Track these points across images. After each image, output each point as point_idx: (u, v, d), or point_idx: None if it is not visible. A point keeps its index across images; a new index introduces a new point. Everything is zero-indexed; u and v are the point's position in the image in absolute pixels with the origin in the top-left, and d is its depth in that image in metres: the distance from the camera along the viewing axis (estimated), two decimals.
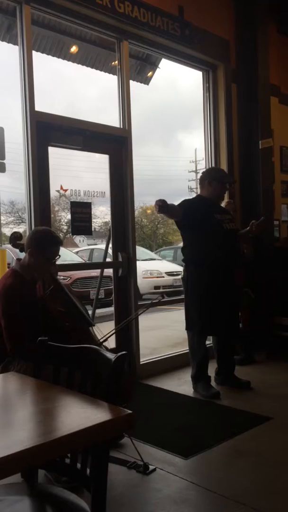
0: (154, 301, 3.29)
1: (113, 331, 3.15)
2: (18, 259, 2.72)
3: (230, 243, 3.74)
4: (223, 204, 4.23)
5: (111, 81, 4.33)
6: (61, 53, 4.39)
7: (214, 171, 4.17)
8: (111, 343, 3.32)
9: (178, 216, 3.65)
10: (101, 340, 2.88)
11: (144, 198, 26.34)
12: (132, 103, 4.28)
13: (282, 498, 2.27)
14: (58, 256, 2.71)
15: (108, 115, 4.30)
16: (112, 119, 4.27)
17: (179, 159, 29.17)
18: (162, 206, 3.39)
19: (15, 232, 2.86)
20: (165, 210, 3.44)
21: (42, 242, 2.65)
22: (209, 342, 4.12)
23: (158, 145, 34.13)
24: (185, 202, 3.78)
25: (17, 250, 2.82)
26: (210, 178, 3.85)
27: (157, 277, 10.96)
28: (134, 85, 4.79)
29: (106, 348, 2.89)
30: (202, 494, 2.33)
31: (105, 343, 2.93)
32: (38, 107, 3.58)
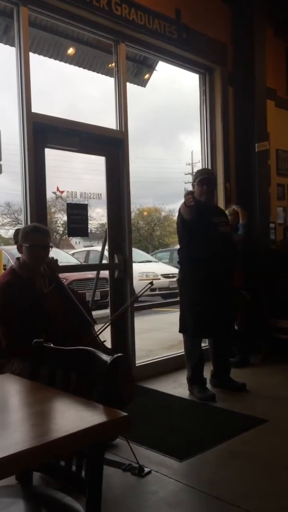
0: (145, 288, 3.29)
1: (109, 322, 3.16)
2: (18, 258, 2.73)
3: (226, 246, 3.74)
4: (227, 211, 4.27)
5: (110, 83, 4.33)
6: (58, 54, 4.39)
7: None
8: (108, 345, 3.32)
9: (195, 214, 3.53)
10: (98, 333, 2.87)
11: (140, 200, 26.39)
12: (132, 105, 4.28)
13: (276, 500, 2.27)
14: (50, 247, 2.75)
15: (108, 117, 4.30)
16: (112, 121, 4.27)
17: (180, 161, 29.17)
18: (194, 198, 3.39)
19: (18, 229, 2.86)
20: (195, 204, 3.40)
21: (23, 231, 2.74)
22: (205, 344, 4.12)
23: (159, 146, 34.07)
24: None
25: (14, 252, 2.82)
26: (192, 180, 3.93)
27: (153, 279, 10.96)
28: (133, 87, 4.80)
29: (102, 342, 2.89)
30: (196, 496, 2.33)
31: (103, 341, 2.92)
32: (37, 109, 3.57)
